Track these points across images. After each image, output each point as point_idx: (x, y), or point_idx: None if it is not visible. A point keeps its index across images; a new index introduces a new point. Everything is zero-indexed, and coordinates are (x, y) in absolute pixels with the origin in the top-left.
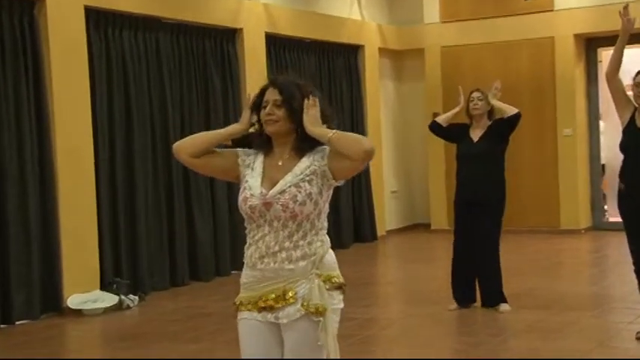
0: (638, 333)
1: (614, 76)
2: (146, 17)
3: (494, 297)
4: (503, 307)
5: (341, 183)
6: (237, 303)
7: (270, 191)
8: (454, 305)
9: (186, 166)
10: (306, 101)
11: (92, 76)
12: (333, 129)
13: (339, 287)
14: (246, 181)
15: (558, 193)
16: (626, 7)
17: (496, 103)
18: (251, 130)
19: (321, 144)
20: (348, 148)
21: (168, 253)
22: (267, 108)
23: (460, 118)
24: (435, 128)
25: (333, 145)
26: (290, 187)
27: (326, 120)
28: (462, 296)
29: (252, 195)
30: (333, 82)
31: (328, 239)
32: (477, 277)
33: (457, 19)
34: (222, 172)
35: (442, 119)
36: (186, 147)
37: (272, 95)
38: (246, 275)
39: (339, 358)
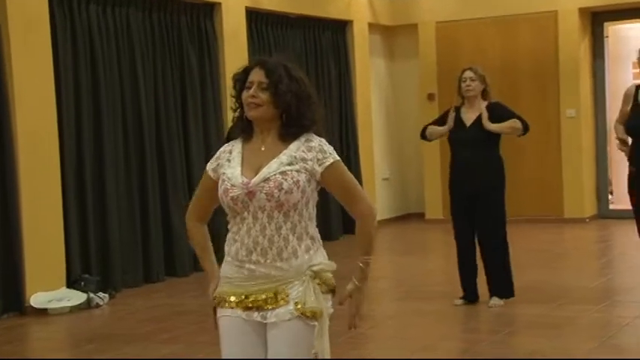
0: None
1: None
2: None
3: (503, 287)
4: (494, 302)
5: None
6: (218, 298)
7: (253, 179)
8: (460, 300)
9: None
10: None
11: (56, 55)
12: (320, 134)
13: (332, 290)
14: (224, 173)
15: (561, 180)
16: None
17: (495, 127)
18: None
19: (308, 130)
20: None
21: (142, 247)
22: (252, 90)
23: (450, 101)
24: (425, 139)
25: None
26: (275, 174)
27: (313, 123)
28: (470, 291)
29: (232, 185)
30: (320, 60)
31: (318, 234)
32: (484, 268)
33: None
34: (211, 200)
35: (430, 133)
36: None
37: (257, 77)
38: (230, 270)
39: None
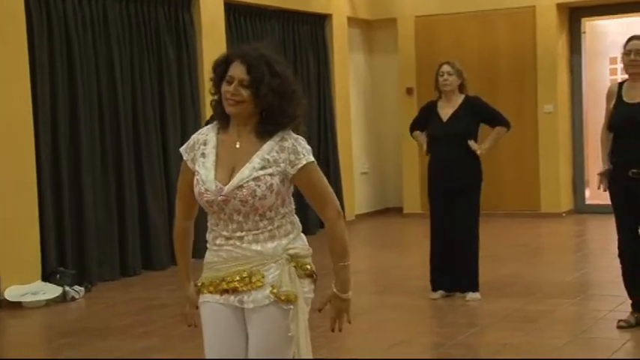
0: (619, 321)
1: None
2: None
3: (472, 281)
4: (471, 296)
5: None
6: (200, 284)
7: (227, 186)
8: (438, 293)
9: None
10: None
11: (31, 46)
12: (298, 130)
13: (311, 275)
14: (198, 173)
15: (538, 175)
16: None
17: (488, 147)
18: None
19: (286, 127)
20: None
21: (118, 240)
22: (232, 87)
23: (429, 95)
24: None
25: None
26: (248, 181)
27: (292, 120)
28: (445, 284)
29: (206, 190)
30: (299, 54)
31: (298, 221)
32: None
33: None
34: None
35: (414, 136)
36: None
37: (239, 72)
38: (210, 255)
39: (310, 350)
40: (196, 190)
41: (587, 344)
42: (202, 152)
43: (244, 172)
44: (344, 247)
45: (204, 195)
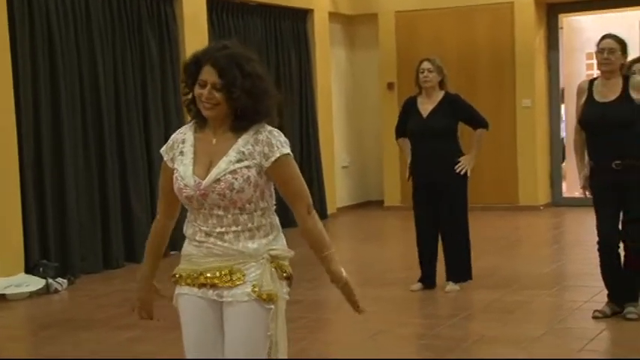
0: (594, 312)
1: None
2: None
3: (461, 272)
4: (450, 287)
5: None
6: (177, 275)
7: (205, 181)
8: (418, 285)
9: None
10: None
11: (13, 40)
12: (273, 123)
13: (288, 278)
14: (177, 170)
15: (516, 168)
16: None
17: (475, 153)
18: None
19: (260, 121)
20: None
21: (101, 233)
22: (207, 91)
23: (410, 90)
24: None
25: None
26: (225, 175)
27: (266, 116)
28: (428, 277)
29: (185, 185)
30: (281, 49)
31: (278, 221)
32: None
33: None
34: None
35: (399, 144)
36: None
37: (211, 77)
38: (190, 248)
39: (286, 349)
40: (176, 186)
41: (564, 334)
42: (181, 150)
43: (221, 166)
44: (319, 240)
45: (184, 190)
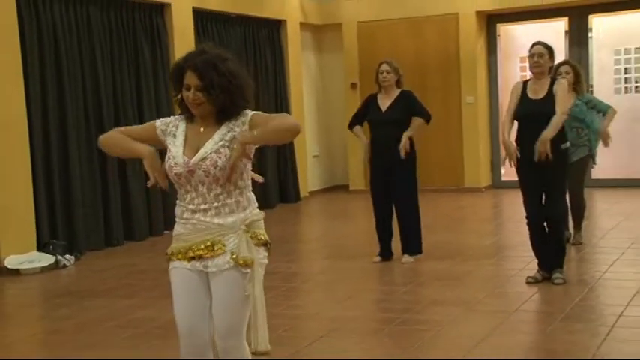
0: (527, 277)
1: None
2: None
3: (414, 246)
4: (406, 258)
5: (256, 145)
6: (170, 253)
7: (192, 159)
8: (378, 258)
9: None
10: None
11: (24, 49)
12: (251, 109)
13: (265, 244)
14: (170, 151)
15: (462, 156)
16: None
17: (410, 134)
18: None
19: (240, 111)
20: (282, 140)
21: (103, 215)
22: (191, 92)
23: (370, 89)
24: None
25: (266, 142)
26: (210, 153)
27: (244, 107)
28: (385, 251)
29: (176, 164)
30: (258, 54)
31: (254, 198)
32: (399, 229)
33: None
34: (141, 142)
35: (354, 132)
36: (104, 147)
37: (193, 80)
38: (178, 228)
39: (264, 306)
40: (167, 165)
41: (502, 296)
42: (174, 134)
43: (207, 147)
44: (271, 129)
45: (174, 168)
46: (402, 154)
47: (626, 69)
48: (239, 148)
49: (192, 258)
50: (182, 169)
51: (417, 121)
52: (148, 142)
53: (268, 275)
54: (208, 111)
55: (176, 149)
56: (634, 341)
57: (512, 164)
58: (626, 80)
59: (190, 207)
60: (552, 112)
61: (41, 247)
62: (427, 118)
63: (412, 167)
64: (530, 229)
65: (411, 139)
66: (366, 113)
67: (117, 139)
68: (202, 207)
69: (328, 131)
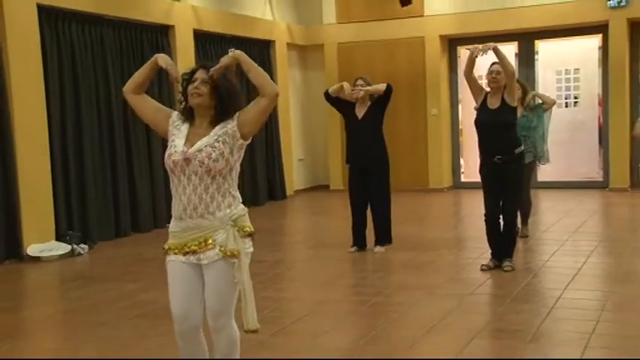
0: (481, 265)
1: (470, 73)
2: (91, 14)
3: (385, 237)
4: (378, 249)
5: (248, 141)
6: (167, 248)
7: (190, 150)
8: (354, 248)
9: (131, 106)
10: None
11: (45, 63)
12: (241, 107)
13: (250, 235)
14: (173, 140)
15: (427, 160)
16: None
17: (369, 88)
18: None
19: (232, 115)
20: (261, 84)
21: (113, 209)
22: (196, 83)
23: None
24: (326, 96)
25: (252, 74)
26: (206, 146)
27: (238, 107)
28: (360, 242)
29: (175, 152)
30: None
31: (239, 196)
32: (372, 223)
33: (350, 21)
34: (154, 118)
35: (331, 90)
36: (129, 84)
37: (201, 75)
38: (173, 225)
39: (252, 291)
40: (167, 153)
41: (460, 282)
42: (179, 127)
43: (204, 141)
44: (268, 79)
45: (173, 155)
46: (360, 94)
47: (566, 87)
48: (231, 56)
49: (187, 253)
50: (180, 156)
51: (381, 84)
52: (155, 119)
53: (258, 263)
54: (206, 106)
55: (179, 140)
56: (570, 320)
57: (481, 54)
58: (566, 97)
59: (183, 198)
60: (507, 120)
61: (59, 237)
62: (389, 86)
63: (386, 169)
64: (487, 225)
65: (384, 145)
66: (341, 104)
67: (134, 75)
68: (192, 197)
69: (312, 138)
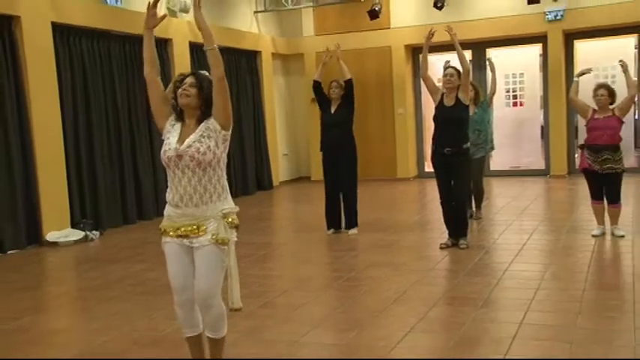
0: (440, 244)
1: (425, 72)
2: (100, 30)
3: (354, 221)
4: (352, 231)
5: (229, 131)
6: (162, 229)
7: (181, 147)
8: (331, 230)
9: (147, 82)
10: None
11: (59, 74)
12: (233, 118)
13: (236, 227)
14: (168, 138)
15: (395, 153)
16: (430, 32)
17: (342, 64)
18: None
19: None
20: (213, 64)
21: (121, 199)
22: (185, 86)
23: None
24: (315, 86)
25: (205, 36)
26: (194, 142)
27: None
28: (335, 224)
29: (169, 149)
30: (240, 77)
31: (227, 185)
32: (342, 209)
33: (326, 33)
34: (159, 109)
35: (317, 75)
36: (144, 66)
37: (190, 79)
38: (169, 210)
39: (237, 275)
40: (162, 150)
41: (423, 259)
42: (173, 127)
43: (191, 138)
44: (214, 56)
45: (167, 152)
46: (338, 54)
47: (513, 89)
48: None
49: (180, 236)
50: (173, 153)
51: (348, 72)
52: (158, 110)
53: (246, 245)
54: (194, 106)
55: (173, 138)
56: (515, 288)
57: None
58: (513, 97)
59: (179, 189)
60: (460, 116)
61: (74, 225)
62: (350, 80)
63: (354, 161)
64: (442, 207)
65: (352, 138)
66: (322, 97)
67: (143, 56)
68: (187, 188)
69: (295, 135)
